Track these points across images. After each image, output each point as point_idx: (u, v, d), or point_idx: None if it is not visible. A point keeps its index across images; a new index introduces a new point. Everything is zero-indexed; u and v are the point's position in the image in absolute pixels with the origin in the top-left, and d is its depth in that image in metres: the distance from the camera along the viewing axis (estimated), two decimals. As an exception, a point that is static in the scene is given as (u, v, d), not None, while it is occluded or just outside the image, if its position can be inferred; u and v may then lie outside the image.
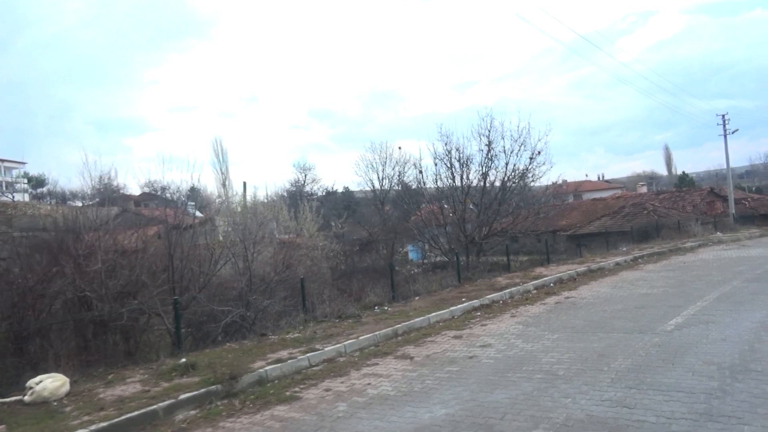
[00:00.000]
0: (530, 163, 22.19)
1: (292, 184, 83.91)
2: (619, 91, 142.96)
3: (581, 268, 15.42)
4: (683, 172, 76.26)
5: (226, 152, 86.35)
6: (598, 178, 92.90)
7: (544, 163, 22.43)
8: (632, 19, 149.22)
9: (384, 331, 8.89)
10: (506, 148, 21.79)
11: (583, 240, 34.40)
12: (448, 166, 22.80)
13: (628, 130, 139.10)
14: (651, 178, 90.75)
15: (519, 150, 22.16)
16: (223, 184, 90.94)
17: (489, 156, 22.52)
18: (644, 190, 62.62)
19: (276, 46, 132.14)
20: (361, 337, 8.48)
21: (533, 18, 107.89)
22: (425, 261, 29.37)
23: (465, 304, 10.87)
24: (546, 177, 24.71)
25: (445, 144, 22.36)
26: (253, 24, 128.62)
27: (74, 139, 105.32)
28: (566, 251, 31.86)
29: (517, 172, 22.49)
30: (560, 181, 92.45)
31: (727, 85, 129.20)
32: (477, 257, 23.53)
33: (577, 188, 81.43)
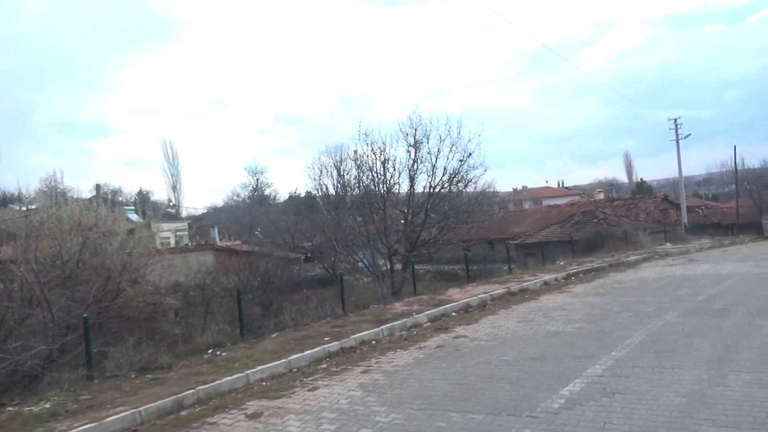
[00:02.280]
0: (460, 167, 19.75)
1: (243, 188, 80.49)
2: (582, 100, 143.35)
3: (499, 291, 12.89)
4: (641, 179, 75.89)
5: (177, 155, 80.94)
6: (558, 184, 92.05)
7: (476, 167, 19.94)
8: (594, 30, 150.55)
9: (160, 403, 6.06)
10: (431, 149, 19.29)
11: (532, 249, 32.23)
12: (370, 168, 20.20)
13: (592, 138, 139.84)
14: (611, 185, 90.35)
15: (450, 151, 19.71)
16: (173, 188, 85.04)
17: (416, 158, 20.02)
18: (601, 196, 61.45)
19: (243, 51, 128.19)
20: (108, 419, 5.63)
21: (499, 27, 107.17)
22: (383, 268, 26.63)
23: (318, 349, 8.12)
24: (482, 181, 22.34)
25: (368, 144, 19.77)
26: (221, 29, 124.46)
27: (35, 140, 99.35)
28: (506, 262, 29.54)
29: (446, 176, 20.05)
30: (520, 188, 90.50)
31: (685, 96, 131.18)
32: (404, 271, 20.95)
33: (533, 195, 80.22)
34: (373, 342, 8.78)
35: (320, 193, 21.54)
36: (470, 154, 19.52)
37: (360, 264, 22.78)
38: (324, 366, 7.49)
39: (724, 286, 11.69)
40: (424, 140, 19.24)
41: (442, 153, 19.45)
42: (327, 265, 29.10)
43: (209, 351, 8.70)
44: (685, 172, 39.01)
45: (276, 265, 23.34)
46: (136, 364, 7.79)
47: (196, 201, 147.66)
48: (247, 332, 9.58)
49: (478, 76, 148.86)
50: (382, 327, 9.35)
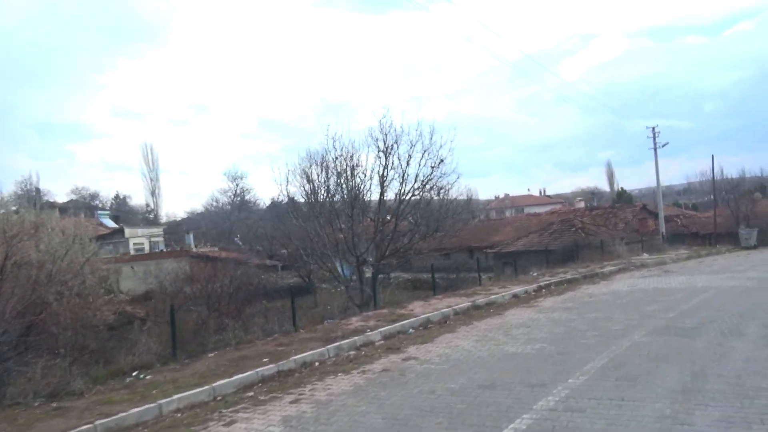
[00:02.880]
0: (432, 173, 19.07)
1: (222, 194, 79.06)
2: (564, 110, 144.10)
3: (464, 304, 12.19)
4: (621, 188, 76.02)
5: (157, 159, 79.56)
6: (540, 193, 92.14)
7: (449, 174, 19.26)
8: (575, 41, 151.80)
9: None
10: (401, 155, 18.58)
11: (509, 258, 31.63)
12: (338, 174, 19.44)
13: (574, 147, 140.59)
14: (593, 194, 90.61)
15: (423, 158, 19.02)
16: (152, 193, 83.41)
17: (386, 164, 19.30)
18: (582, 205, 61.35)
19: (227, 56, 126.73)
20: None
21: (482, 36, 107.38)
22: (353, 278, 25.83)
23: (250, 373, 7.32)
24: (459, 188, 21.72)
25: (336, 149, 19.01)
26: (205, 33, 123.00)
27: (13, 141, 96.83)
28: (485, 270, 28.90)
29: (418, 183, 19.35)
30: (502, 196, 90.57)
31: (665, 107, 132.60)
32: (374, 282, 20.19)
33: (515, 203, 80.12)
34: (316, 364, 8.00)
35: (287, 201, 20.69)
36: (442, 160, 18.87)
37: (329, 274, 21.95)
38: (251, 394, 6.69)
39: (697, 301, 11.11)
40: (395, 146, 18.56)
41: (413, 159, 18.77)
42: (302, 274, 28.26)
43: (134, 373, 7.87)
44: (666, 182, 39.08)
45: (245, 274, 22.49)
46: (44, 390, 6.94)
47: (177, 206, 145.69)
48: (182, 351, 8.74)
49: (461, 85, 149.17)
50: (329, 346, 8.58)
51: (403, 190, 19.30)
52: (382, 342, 9.25)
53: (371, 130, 18.66)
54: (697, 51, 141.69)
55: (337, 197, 19.57)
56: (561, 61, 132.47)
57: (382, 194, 19.79)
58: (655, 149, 34.77)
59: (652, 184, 37.93)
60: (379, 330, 9.66)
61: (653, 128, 34.70)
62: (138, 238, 55.22)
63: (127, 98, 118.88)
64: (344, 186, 19.09)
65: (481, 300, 12.68)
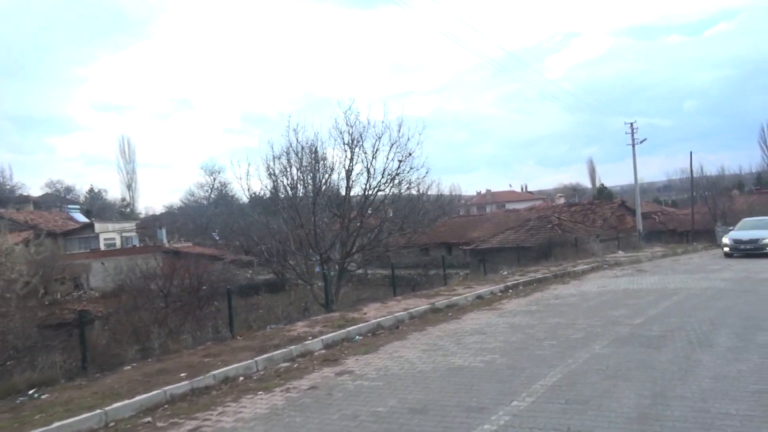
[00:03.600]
0: (399, 167, 18.20)
1: (199, 188, 77.28)
2: (547, 107, 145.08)
3: (423, 307, 11.38)
4: (602, 185, 76.11)
5: (134, 152, 77.65)
6: (522, 189, 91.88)
7: (417, 168, 18.42)
8: (558, 39, 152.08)
9: None
10: (366, 148, 17.70)
11: (485, 255, 30.93)
12: (301, 167, 18.48)
13: (557, 144, 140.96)
14: (575, 190, 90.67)
15: (391, 151, 18.13)
16: (129, 186, 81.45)
17: (352, 158, 18.39)
18: (562, 201, 61.09)
19: (210, 50, 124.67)
20: None
21: (466, 33, 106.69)
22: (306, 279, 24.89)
23: (156, 392, 6.38)
24: (436, 185, 20.87)
25: (298, 141, 18.04)
26: (189, 26, 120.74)
27: None
28: (464, 267, 28.13)
29: (385, 177, 18.48)
30: (484, 191, 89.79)
31: (646, 105, 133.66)
32: (340, 281, 19.35)
33: (497, 199, 79.73)
34: (240, 379, 7.10)
35: (248, 194, 19.67)
36: (410, 153, 18.02)
37: (294, 271, 21.01)
38: (149, 420, 5.77)
39: (668, 304, 10.42)
40: (360, 139, 17.65)
41: (380, 152, 17.89)
42: (276, 270, 27.30)
43: (30, 391, 6.90)
44: (647, 179, 38.86)
45: (212, 271, 21.41)
46: None
47: (158, 201, 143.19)
48: (93, 365, 7.78)
49: (445, 81, 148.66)
50: (258, 358, 7.68)
51: (369, 185, 18.48)
52: (323, 351, 8.38)
53: (336, 122, 17.74)
54: (678, 50, 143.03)
55: (301, 192, 18.65)
56: (544, 59, 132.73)
57: (347, 189, 18.93)
58: (633, 145, 34.38)
59: (633, 180, 37.53)
60: (322, 338, 8.78)
61: (631, 124, 34.36)
62: (109, 233, 53.60)
63: (109, 91, 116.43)
64: (306, 180, 18.17)
65: (441, 302, 11.87)
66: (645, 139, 34.74)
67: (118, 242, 54.13)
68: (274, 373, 7.28)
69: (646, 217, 37.47)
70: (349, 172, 18.41)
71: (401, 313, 10.77)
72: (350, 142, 17.99)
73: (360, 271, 25.37)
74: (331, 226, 19.12)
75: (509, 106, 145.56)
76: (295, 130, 17.51)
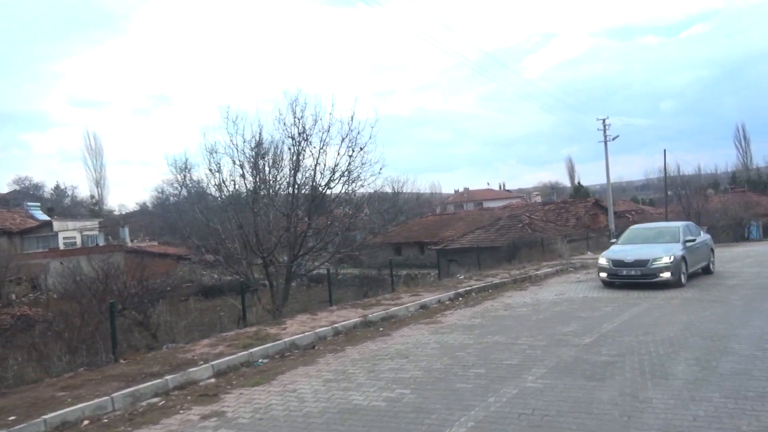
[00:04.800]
0: (350, 163, 16.78)
1: (168, 185, 75.07)
2: (527, 106, 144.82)
3: (354, 320, 10.01)
4: (579, 183, 75.51)
5: (101, 147, 75.28)
6: (500, 187, 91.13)
7: (371, 164, 16.99)
8: (536, 39, 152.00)
9: None
10: (312, 141, 16.24)
11: (454, 255, 29.72)
12: (241, 162, 16.96)
13: (538, 143, 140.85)
14: (553, 188, 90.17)
15: (341, 145, 16.69)
16: (97, 183, 78.72)
17: (298, 152, 16.93)
18: (538, 199, 60.36)
19: (188, 47, 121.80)
20: None
21: (444, 33, 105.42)
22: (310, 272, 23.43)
23: (22, 426, 4.94)
24: (380, 180, 19.41)
25: (237, 134, 16.51)
26: (168, 22, 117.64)
27: None
28: (435, 267, 26.81)
29: (337, 174, 17.06)
30: (462, 190, 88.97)
31: (624, 105, 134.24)
32: (288, 285, 17.91)
33: (475, 197, 78.81)
34: (84, 423, 5.65)
35: (186, 191, 18.12)
36: (362, 147, 16.59)
37: (239, 276, 19.51)
38: None
39: (625, 318, 9.20)
40: (305, 132, 16.19)
41: (330, 147, 16.45)
42: (239, 271, 25.75)
43: None
44: (626, 178, 38.25)
45: (153, 272, 19.92)
46: None
47: (132, 198, 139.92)
48: None
49: (426, 80, 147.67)
50: (116, 394, 6.21)
51: (318, 182, 17.05)
52: (210, 381, 6.95)
53: (280, 113, 16.24)
54: (655, 51, 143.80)
55: (243, 189, 17.17)
56: (523, 59, 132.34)
57: (294, 186, 17.48)
58: (606, 142, 33.47)
59: (613, 179, 36.69)
60: (213, 363, 7.35)
61: (603, 120, 33.37)
62: (69, 231, 51.38)
63: (86, 87, 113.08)
64: (248, 176, 16.69)
65: (377, 314, 10.51)
66: (617, 136, 33.88)
67: (78, 241, 51.99)
68: (128, 415, 5.82)
69: (620, 216, 36.64)
70: (295, 168, 16.98)
71: (326, 328, 9.38)
72: (298, 134, 16.57)
73: (329, 272, 24.03)
74: (277, 227, 17.67)
75: (491, 106, 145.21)
76: (234, 121, 16.01)
